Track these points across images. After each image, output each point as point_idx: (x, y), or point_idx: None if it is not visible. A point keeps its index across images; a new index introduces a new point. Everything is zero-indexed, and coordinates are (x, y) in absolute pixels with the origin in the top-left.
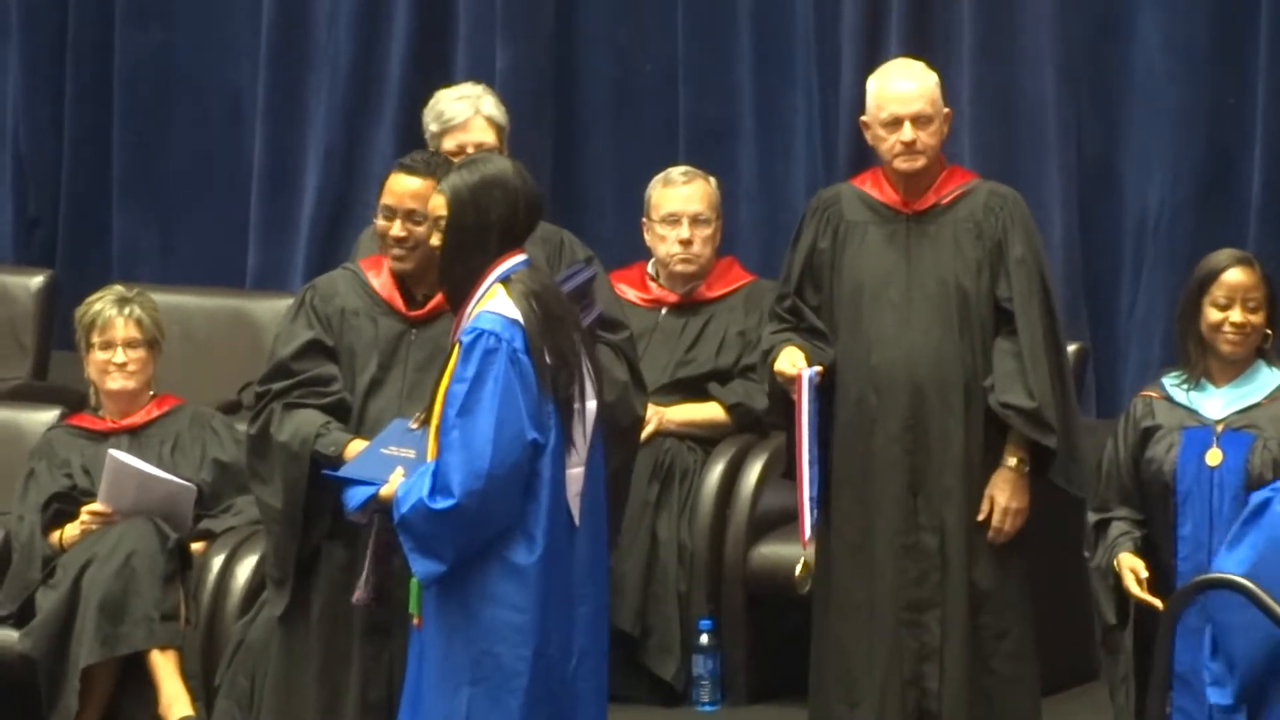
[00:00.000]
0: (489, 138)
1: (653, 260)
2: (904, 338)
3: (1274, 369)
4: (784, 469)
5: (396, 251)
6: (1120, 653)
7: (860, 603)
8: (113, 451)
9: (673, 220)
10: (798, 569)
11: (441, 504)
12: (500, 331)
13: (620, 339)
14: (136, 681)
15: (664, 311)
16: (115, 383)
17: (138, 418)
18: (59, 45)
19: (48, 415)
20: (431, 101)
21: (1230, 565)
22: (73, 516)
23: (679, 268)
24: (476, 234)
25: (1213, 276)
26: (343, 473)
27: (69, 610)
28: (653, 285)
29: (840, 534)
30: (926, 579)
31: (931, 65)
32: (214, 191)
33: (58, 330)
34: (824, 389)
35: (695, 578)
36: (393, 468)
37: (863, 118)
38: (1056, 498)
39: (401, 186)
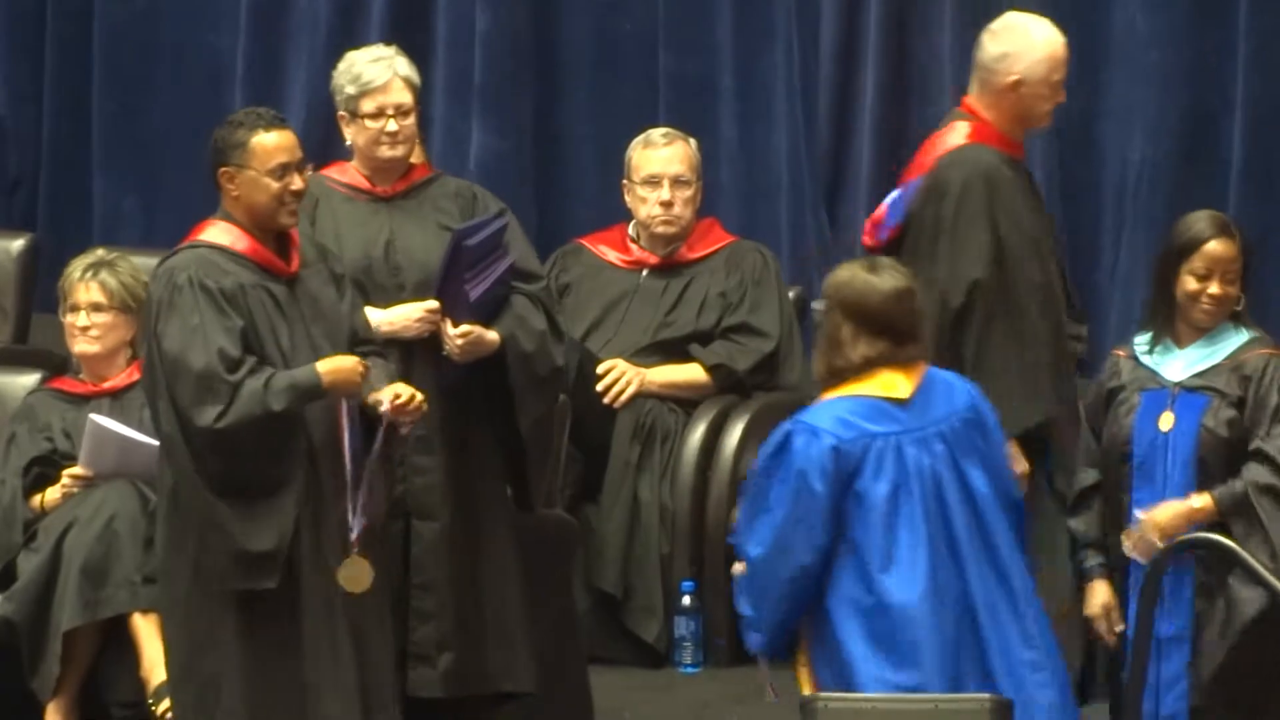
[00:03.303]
0: (407, 98)
1: (633, 222)
2: None
3: (1240, 330)
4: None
5: (294, 205)
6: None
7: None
8: (93, 416)
9: (653, 182)
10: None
11: None
12: None
13: (536, 289)
14: (118, 645)
15: (645, 273)
16: (78, 346)
17: (119, 380)
18: (39, 6)
19: (29, 379)
20: (343, 65)
21: (772, 504)
22: (54, 480)
23: (660, 229)
24: None
25: (1193, 246)
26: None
27: (50, 574)
28: (633, 247)
29: None
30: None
31: (914, 25)
32: (195, 155)
33: (39, 294)
34: None
35: (677, 539)
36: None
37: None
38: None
39: (289, 140)
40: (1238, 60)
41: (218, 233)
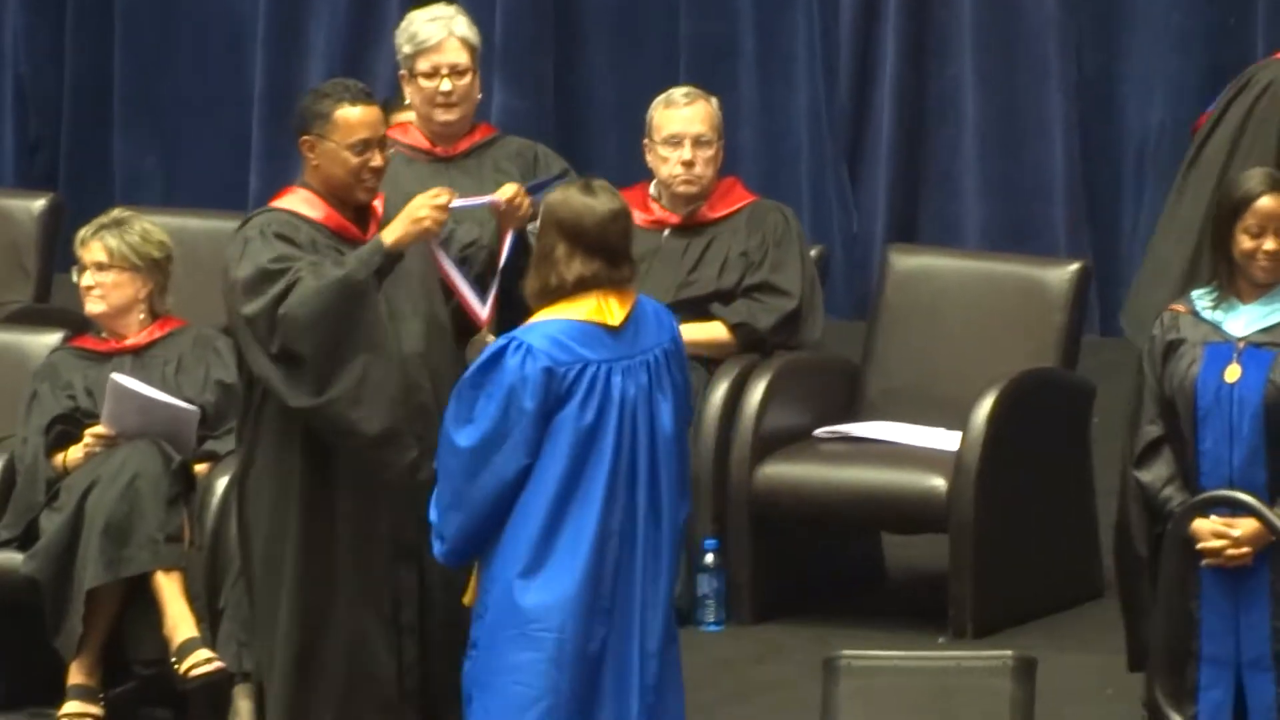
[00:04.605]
0: (463, 58)
1: (655, 182)
2: None
3: None
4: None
5: (373, 183)
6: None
7: None
8: (115, 375)
9: (675, 141)
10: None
11: None
12: None
13: None
14: (141, 604)
15: (666, 233)
16: (86, 305)
17: (140, 338)
18: None
19: (51, 338)
20: (404, 24)
21: (477, 417)
22: (76, 439)
23: (681, 189)
24: None
25: (1245, 204)
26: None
27: (73, 533)
28: (655, 207)
29: None
30: None
31: None
32: (216, 115)
33: (60, 253)
34: None
35: (700, 497)
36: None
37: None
38: (1070, 419)
39: (373, 116)
40: (1257, 20)
41: (294, 200)
